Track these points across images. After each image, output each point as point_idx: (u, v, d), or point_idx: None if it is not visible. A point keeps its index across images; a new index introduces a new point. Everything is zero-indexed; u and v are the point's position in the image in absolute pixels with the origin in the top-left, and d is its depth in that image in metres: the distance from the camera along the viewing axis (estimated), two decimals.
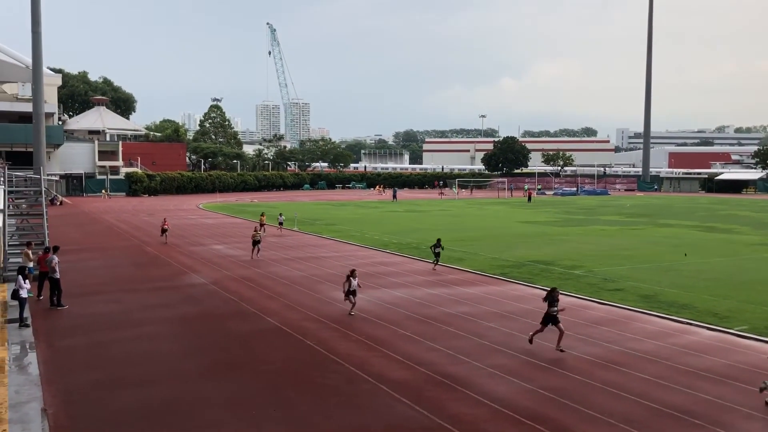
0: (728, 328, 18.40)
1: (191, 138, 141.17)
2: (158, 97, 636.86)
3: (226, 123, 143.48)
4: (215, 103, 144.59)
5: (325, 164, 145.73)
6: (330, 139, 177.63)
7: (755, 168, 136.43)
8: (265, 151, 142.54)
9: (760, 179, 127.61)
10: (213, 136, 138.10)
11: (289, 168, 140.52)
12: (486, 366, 15.09)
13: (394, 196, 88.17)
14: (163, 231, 38.66)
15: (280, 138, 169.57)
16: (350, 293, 20.02)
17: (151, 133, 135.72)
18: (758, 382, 13.51)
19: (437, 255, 28.54)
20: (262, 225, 38.51)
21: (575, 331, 18.18)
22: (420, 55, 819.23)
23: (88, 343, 17.24)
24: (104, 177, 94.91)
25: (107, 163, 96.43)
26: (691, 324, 19.05)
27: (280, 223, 44.10)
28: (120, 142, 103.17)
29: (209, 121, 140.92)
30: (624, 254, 33.33)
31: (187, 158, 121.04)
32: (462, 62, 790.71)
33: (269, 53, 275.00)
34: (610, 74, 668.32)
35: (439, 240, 29.19)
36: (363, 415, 12.19)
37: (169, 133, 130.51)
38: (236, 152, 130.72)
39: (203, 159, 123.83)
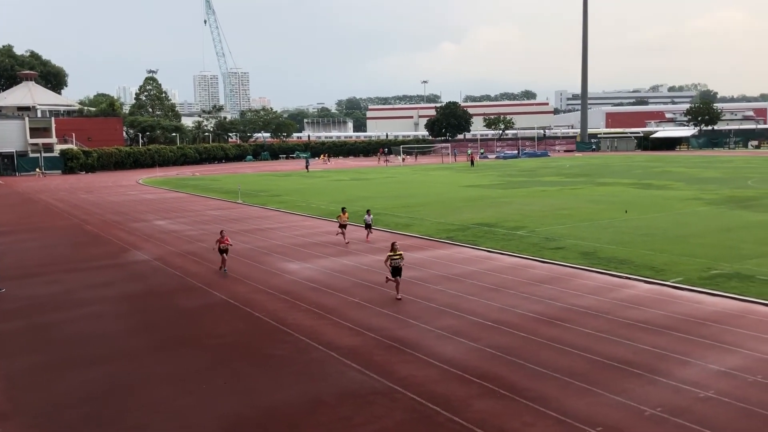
0: (664, 281, 19.15)
1: (127, 112, 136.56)
2: (91, 71, 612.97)
3: (163, 95, 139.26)
4: (150, 75, 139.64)
5: (268, 134, 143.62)
6: (271, 109, 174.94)
7: (687, 125, 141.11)
8: (205, 122, 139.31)
9: (693, 136, 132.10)
10: (150, 110, 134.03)
11: (230, 139, 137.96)
12: (434, 328, 15.34)
13: (307, 167, 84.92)
14: (222, 251, 22.25)
15: (220, 109, 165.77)
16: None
17: (86, 108, 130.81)
18: (692, 330, 14.16)
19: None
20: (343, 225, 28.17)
21: (519, 290, 18.63)
22: (360, 20, 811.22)
23: (28, 325, 16.76)
24: (38, 155, 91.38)
25: (40, 141, 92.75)
26: (629, 278, 19.74)
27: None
28: (53, 118, 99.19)
29: (145, 93, 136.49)
30: (564, 213, 34.15)
31: (124, 133, 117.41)
32: (402, 27, 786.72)
33: (205, 22, 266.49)
34: (548, 38, 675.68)
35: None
36: (315, 383, 12.27)
37: (104, 107, 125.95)
38: (175, 125, 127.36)
39: (141, 133, 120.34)
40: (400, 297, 17.90)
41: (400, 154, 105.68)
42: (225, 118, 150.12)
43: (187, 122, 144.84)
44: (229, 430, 10.54)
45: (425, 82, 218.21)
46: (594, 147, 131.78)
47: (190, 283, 21.02)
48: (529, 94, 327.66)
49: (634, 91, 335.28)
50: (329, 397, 11.62)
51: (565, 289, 18.64)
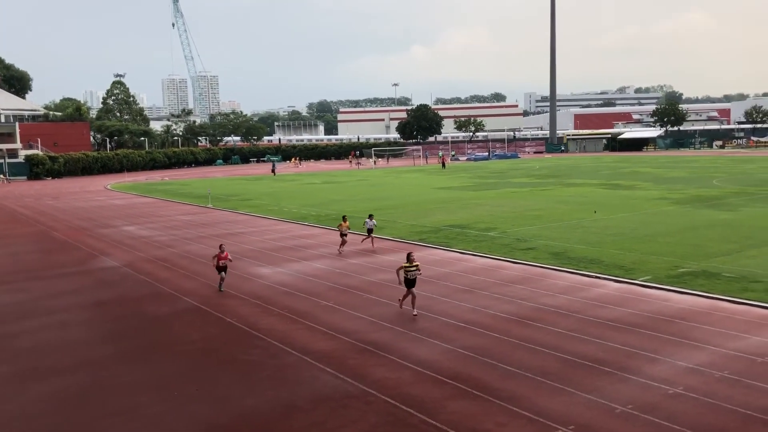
0: (633, 280, 19.43)
1: (94, 116, 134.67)
2: (56, 75, 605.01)
3: (131, 99, 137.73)
4: (118, 78, 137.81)
5: (238, 138, 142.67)
6: (241, 113, 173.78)
7: (654, 126, 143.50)
8: (174, 126, 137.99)
9: (659, 137, 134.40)
10: (118, 114, 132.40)
11: (200, 143, 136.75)
12: (408, 330, 15.36)
13: (273, 171, 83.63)
14: (221, 269, 20.03)
15: (189, 113, 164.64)
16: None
17: (51, 112, 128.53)
18: (661, 328, 14.39)
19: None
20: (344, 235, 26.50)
21: (491, 290, 18.75)
22: (330, 23, 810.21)
23: None
24: (1, 161, 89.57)
25: (4, 146, 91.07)
26: (599, 277, 19.99)
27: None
28: (17, 123, 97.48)
29: (113, 98, 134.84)
30: (535, 214, 34.47)
31: (91, 137, 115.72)
32: (372, 30, 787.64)
33: (173, 25, 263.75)
34: (517, 40, 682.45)
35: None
36: (288, 388, 12.20)
37: (71, 112, 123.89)
38: (143, 129, 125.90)
39: (109, 138, 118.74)
40: (416, 313, 16.41)
41: (371, 157, 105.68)
42: (194, 122, 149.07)
43: (156, 126, 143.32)
44: None
45: (396, 84, 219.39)
46: (563, 148, 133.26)
47: (160, 289, 20.77)
48: (498, 97, 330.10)
49: (601, 93, 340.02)
50: (303, 401, 11.56)
51: (537, 289, 18.80)
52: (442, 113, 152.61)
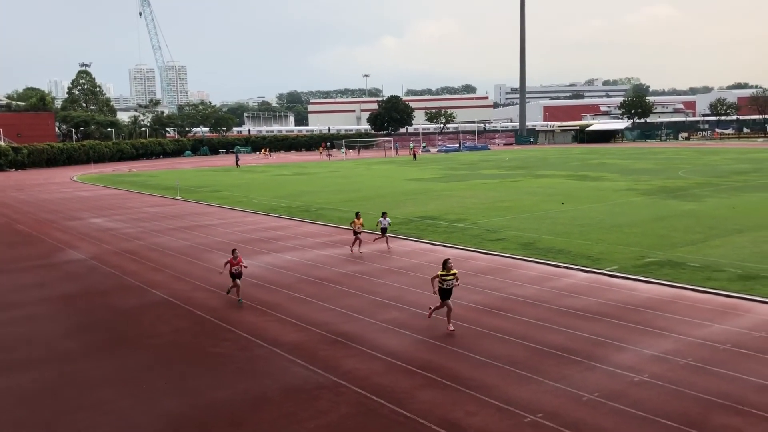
0: (600, 269, 19.72)
1: (59, 107, 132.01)
2: (19, 64, 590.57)
3: (97, 89, 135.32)
4: (84, 68, 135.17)
5: (207, 129, 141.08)
6: (210, 103, 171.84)
7: (622, 118, 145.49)
8: (142, 117, 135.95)
9: (627, 128, 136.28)
10: (84, 104, 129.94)
11: (168, 134, 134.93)
12: (379, 321, 15.40)
13: (237, 162, 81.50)
14: (235, 276, 17.56)
15: (157, 103, 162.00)
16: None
17: (14, 102, 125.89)
18: (627, 317, 14.63)
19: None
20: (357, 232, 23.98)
21: (461, 281, 18.80)
22: (299, 14, 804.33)
23: None
24: None
25: None
26: (567, 267, 20.25)
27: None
28: None
29: (78, 88, 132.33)
30: (504, 206, 34.75)
31: (56, 128, 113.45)
32: (342, 21, 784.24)
33: (140, 14, 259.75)
34: (487, 32, 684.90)
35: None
36: (258, 380, 12.17)
37: (35, 102, 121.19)
38: (110, 120, 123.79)
39: (74, 129, 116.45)
40: (452, 328, 14.55)
41: (342, 148, 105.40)
42: (162, 112, 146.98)
43: (123, 117, 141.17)
44: (172, 429, 10.33)
45: (367, 75, 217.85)
46: (532, 140, 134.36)
47: (128, 281, 20.51)
48: (469, 88, 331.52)
49: (570, 85, 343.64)
50: (273, 393, 11.54)
51: (506, 280, 18.98)
52: (413, 105, 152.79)
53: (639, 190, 40.39)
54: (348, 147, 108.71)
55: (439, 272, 14.82)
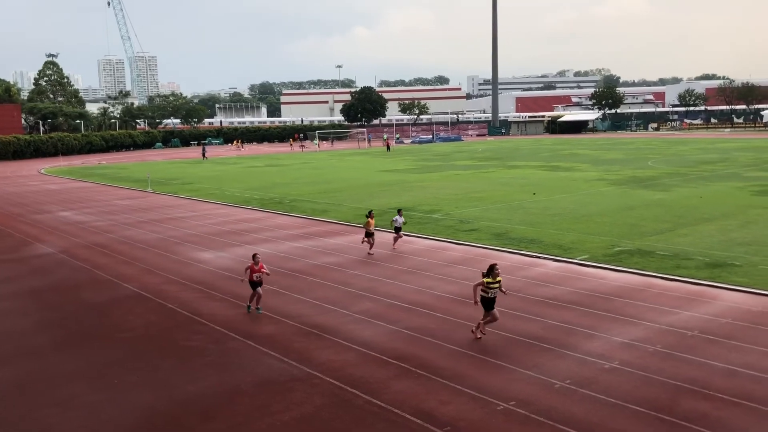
0: (571, 259, 19.95)
1: (26, 98, 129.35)
2: None
3: (65, 80, 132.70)
4: (51, 59, 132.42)
5: (178, 121, 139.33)
6: (181, 94, 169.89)
7: (593, 109, 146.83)
8: (111, 109, 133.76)
9: (598, 119, 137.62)
10: (51, 96, 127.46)
11: (138, 126, 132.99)
12: (352, 312, 15.42)
13: (203, 154, 79.66)
14: (255, 284, 15.77)
15: (126, 95, 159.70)
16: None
17: None
18: (598, 305, 14.83)
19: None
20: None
21: (435, 271, 18.96)
22: (270, 3, 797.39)
23: None
24: None
25: None
26: (539, 257, 20.45)
27: None
28: None
29: (45, 79, 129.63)
30: (477, 196, 34.94)
31: (23, 120, 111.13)
32: (313, 11, 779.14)
33: (108, 4, 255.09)
34: (460, 23, 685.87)
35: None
36: (231, 373, 12.11)
37: None
38: (79, 112, 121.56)
39: (42, 120, 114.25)
40: (485, 333, 13.39)
41: (315, 140, 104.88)
42: (132, 104, 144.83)
43: (92, 109, 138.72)
44: (144, 423, 10.25)
45: (340, 66, 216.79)
46: (504, 131, 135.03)
47: (98, 275, 20.24)
48: (442, 80, 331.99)
49: (542, 77, 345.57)
50: (246, 386, 11.49)
51: (480, 270, 19.04)
52: (386, 96, 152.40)
53: (609, 180, 40.88)
54: (321, 138, 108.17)
55: (484, 279, 13.20)
